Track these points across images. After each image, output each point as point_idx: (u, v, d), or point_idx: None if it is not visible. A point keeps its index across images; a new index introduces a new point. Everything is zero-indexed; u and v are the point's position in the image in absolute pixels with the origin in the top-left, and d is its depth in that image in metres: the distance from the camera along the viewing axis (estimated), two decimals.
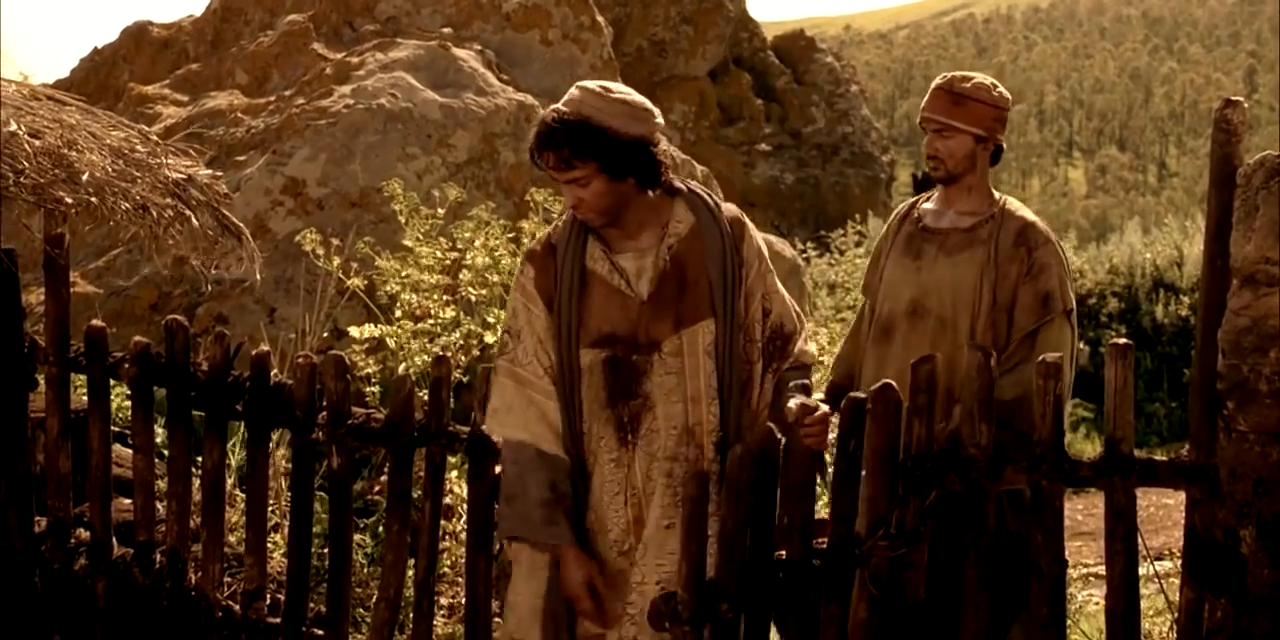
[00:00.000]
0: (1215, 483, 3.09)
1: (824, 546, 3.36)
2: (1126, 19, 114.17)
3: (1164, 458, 3.19)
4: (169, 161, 4.74)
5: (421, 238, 6.51)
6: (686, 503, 3.34)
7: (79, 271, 8.81)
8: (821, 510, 3.49)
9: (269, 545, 4.48)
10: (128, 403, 5.35)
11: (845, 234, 16.91)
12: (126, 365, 4.49)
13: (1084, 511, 9.61)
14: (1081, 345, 16.10)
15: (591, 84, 3.36)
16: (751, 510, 3.33)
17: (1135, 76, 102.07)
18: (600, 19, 12.08)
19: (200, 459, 4.44)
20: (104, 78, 13.13)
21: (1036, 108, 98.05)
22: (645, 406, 3.39)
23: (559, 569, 3.40)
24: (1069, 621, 3.28)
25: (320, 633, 4.14)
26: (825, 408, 3.41)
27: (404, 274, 6.30)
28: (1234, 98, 3.15)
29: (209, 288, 7.90)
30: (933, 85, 4.02)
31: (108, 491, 4.58)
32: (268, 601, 4.28)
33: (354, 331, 6.10)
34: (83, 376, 4.68)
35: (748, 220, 3.56)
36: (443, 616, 5.04)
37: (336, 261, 6.48)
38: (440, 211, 6.82)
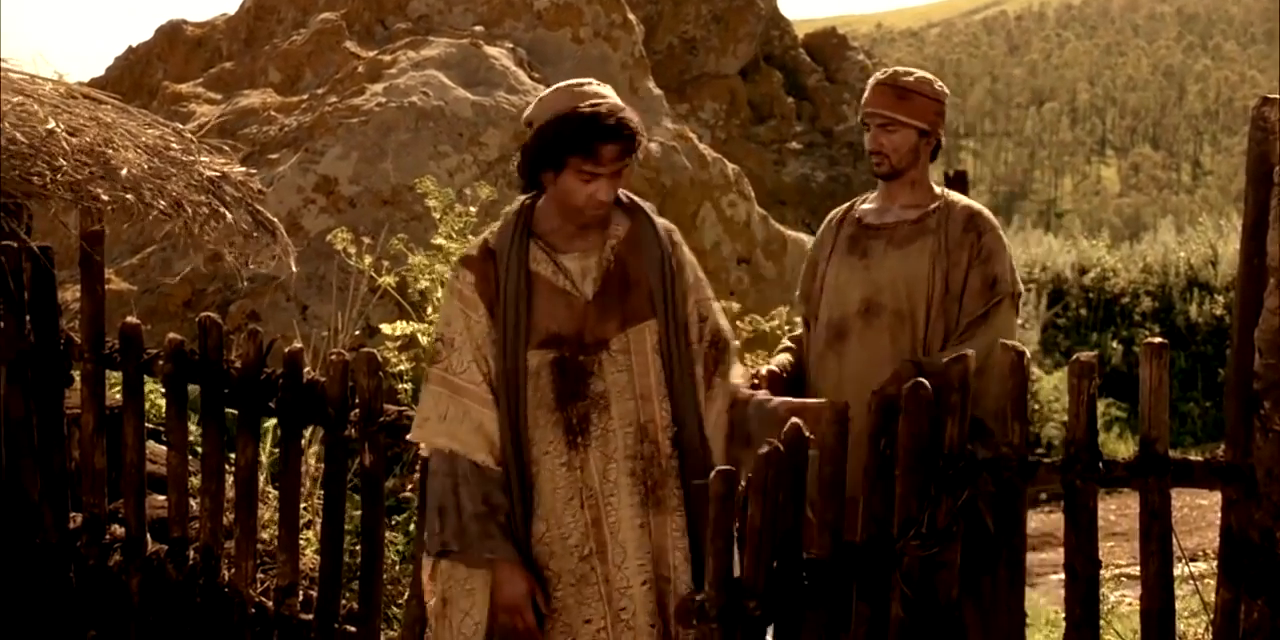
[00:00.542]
0: (1251, 483, 3.07)
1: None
2: (1160, 16, 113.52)
3: (1199, 458, 3.17)
4: (204, 159, 4.78)
5: (454, 235, 6.53)
6: (714, 500, 3.33)
7: (113, 269, 8.87)
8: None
9: (301, 542, 4.50)
10: (161, 400, 5.38)
11: None
12: (161, 362, 4.51)
13: (1116, 512, 9.57)
14: (1114, 344, 16.05)
15: (590, 83, 3.34)
16: (778, 508, 3.33)
17: (1169, 74, 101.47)
18: (631, 17, 12.08)
19: (233, 456, 4.47)
20: (138, 76, 13.20)
21: (1069, 106, 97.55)
22: (597, 406, 3.34)
23: (495, 588, 3.29)
24: (1102, 622, 3.26)
25: (352, 629, 4.15)
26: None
27: (436, 271, 6.31)
28: (1271, 96, 3.12)
29: (243, 285, 7.93)
30: (873, 81, 4.06)
31: (142, 488, 4.60)
32: (300, 598, 4.30)
33: (386, 328, 6.11)
34: (117, 373, 4.70)
35: (678, 232, 3.58)
36: None
37: (368, 259, 6.50)
38: (472, 209, 6.84)
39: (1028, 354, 3.28)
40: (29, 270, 4.68)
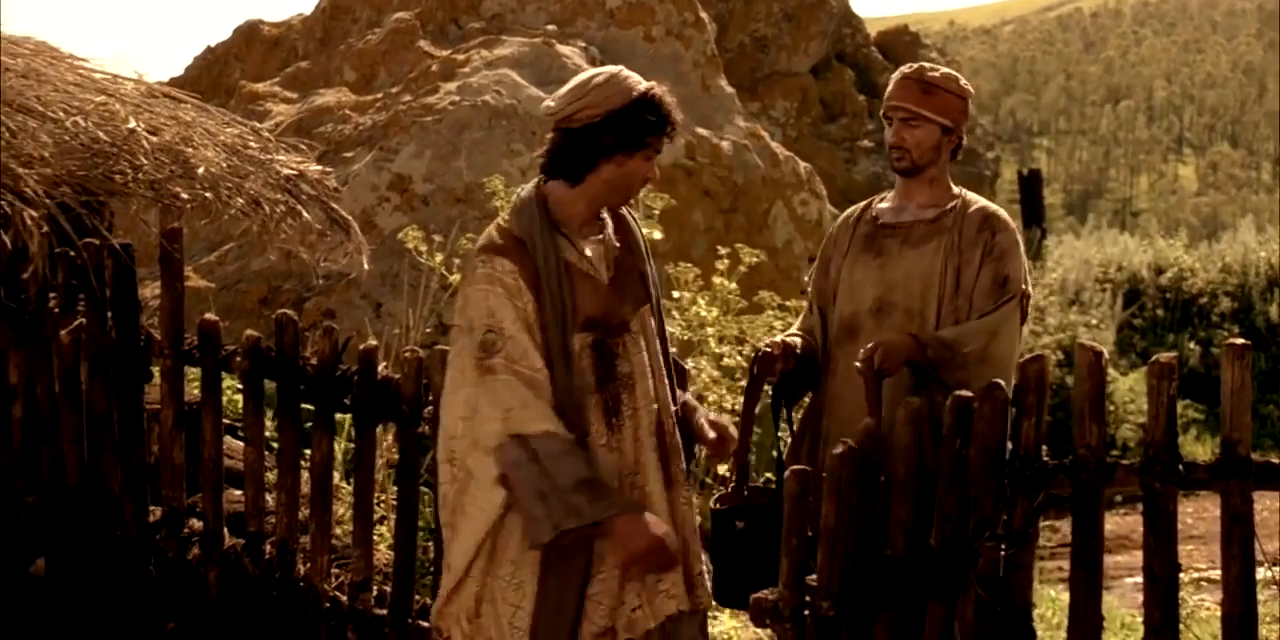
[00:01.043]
0: None
1: None
2: (1240, 12, 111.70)
3: None
4: (280, 158, 4.81)
5: None
6: (787, 499, 3.34)
7: (191, 266, 8.99)
8: None
9: (375, 538, 4.54)
10: (238, 395, 5.44)
11: None
12: (238, 359, 4.56)
13: (1193, 515, 9.44)
14: (1192, 345, 15.82)
15: (621, 69, 3.48)
16: (854, 508, 3.32)
17: (1249, 71, 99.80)
18: (704, 15, 12.07)
19: (309, 452, 4.51)
20: (216, 76, 13.38)
21: (1145, 104, 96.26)
22: (626, 387, 3.45)
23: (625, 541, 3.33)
24: (1181, 626, 3.21)
25: (425, 624, 4.17)
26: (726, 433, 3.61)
27: None
28: None
29: (318, 282, 8.02)
30: (898, 75, 4.01)
31: (219, 482, 4.65)
32: (374, 593, 4.34)
33: None
34: (196, 369, 4.76)
35: None
36: None
37: (440, 257, 6.54)
38: None
39: (1106, 354, 3.25)
40: (110, 267, 4.74)
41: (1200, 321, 16.50)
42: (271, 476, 4.68)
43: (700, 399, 6.43)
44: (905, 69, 4.02)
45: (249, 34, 13.72)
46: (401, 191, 9.25)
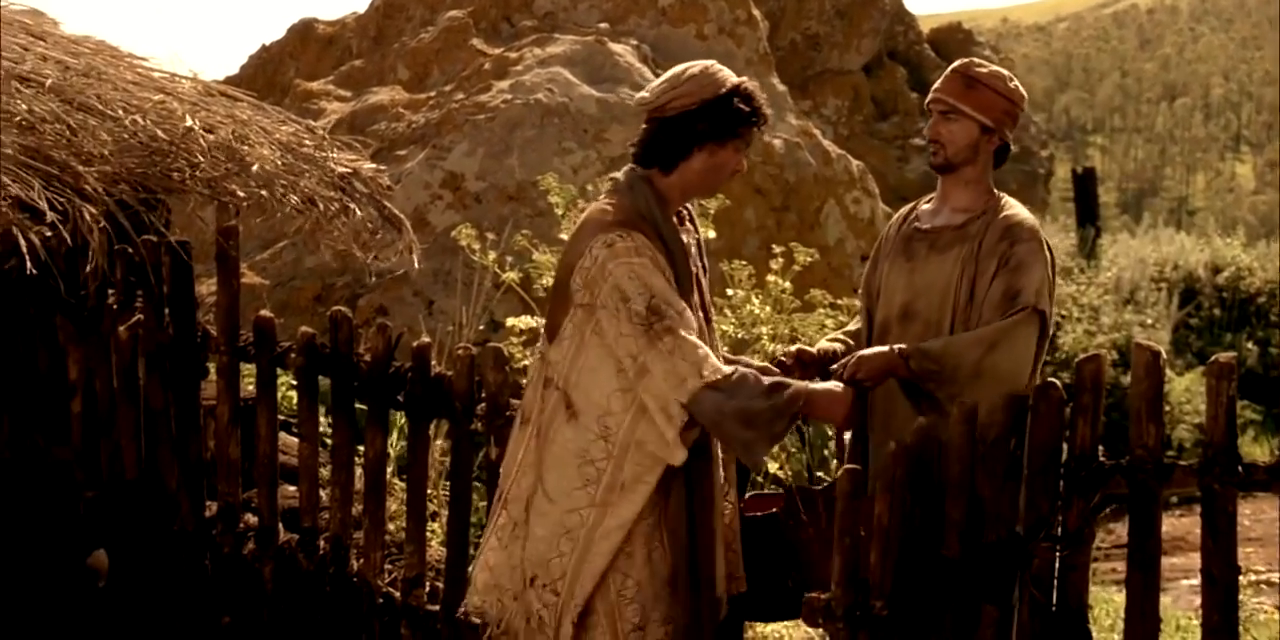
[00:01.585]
0: None
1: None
2: None
3: None
4: (335, 155, 4.84)
5: None
6: (841, 498, 3.34)
7: (246, 263, 9.05)
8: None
9: (428, 534, 4.56)
10: (292, 392, 5.48)
11: None
12: (293, 355, 4.59)
13: (1250, 516, 9.33)
14: (1249, 345, 15.64)
15: (712, 63, 3.60)
16: (908, 507, 3.31)
17: None
18: (756, 12, 12.04)
19: (362, 448, 4.53)
20: (271, 74, 13.47)
21: (1203, 101, 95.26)
22: None
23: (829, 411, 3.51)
24: (1240, 629, 3.18)
25: (477, 621, 4.19)
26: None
27: None
28: None
29: (371, 279, 8.06)
30: (950, 68, 3.90)
31: (274, 478, 4.68)
32: (427, 589, 4.35)
33: (512, 322, 6.16)
34: (251, 365, 4.79)
35: None
36: None
37: (492, 255, 6.55)
38: None
39: (1164, 354, 3.21)
40: (168, 264, 4.79)
41: (1258, 321, 16.30)
42: (325, 472, 4.71)
43: None
44: (957, 62, 3.93)
45: (303, 33, 13.81)
46: (454, 189, 9.28)
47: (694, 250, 3.63)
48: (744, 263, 6.88)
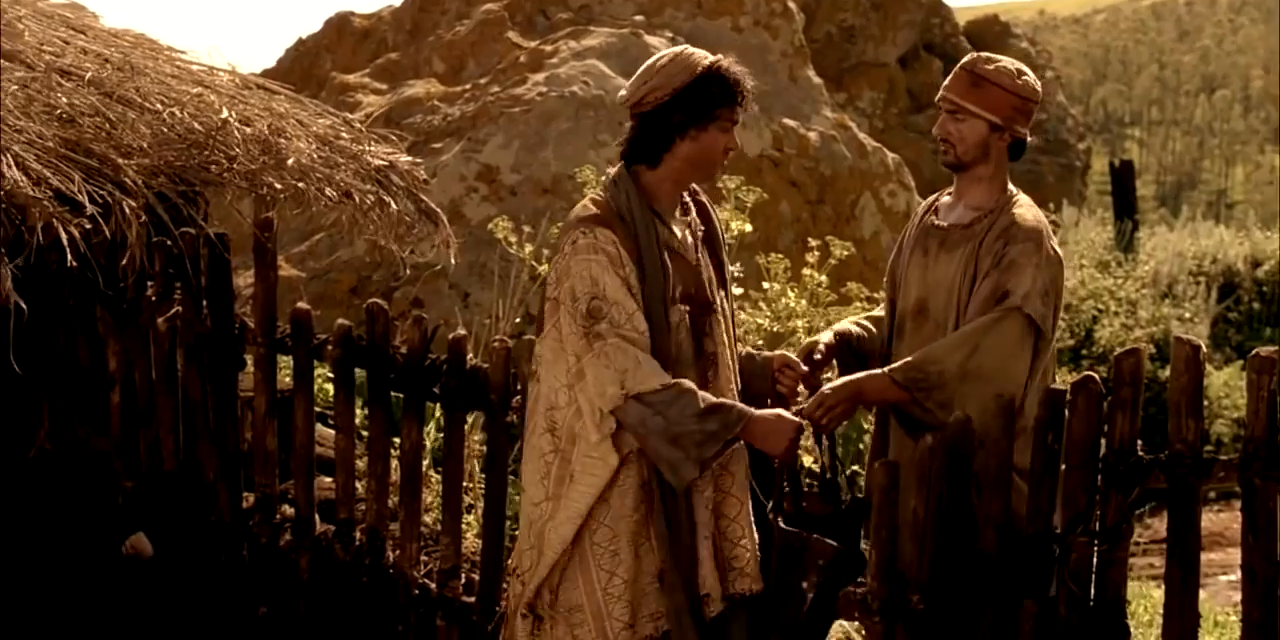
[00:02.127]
0: None
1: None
2: None
3: None
4: (371, 148, 4.85)
5: None
6: (877, 491, 3.32)
7: (283, 255, 9.10)
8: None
9: (463, 526, 4.57)
10: (329, 384, 5.50)
11: None
12: (330, 347, 4.60)
13: None
14: None
15: (686, 47, 3.57)
16: (944, 501, 3.30)
17: None
18: (791, 5, 12.01)
19: (398, 440, 4.55)
20: (308, 67, 13.52)
21: (1242, 93, 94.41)
22: (712, 365, 3.54)
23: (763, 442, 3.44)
24: None
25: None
26: (803, 366, 3.68)
27: None
28: None
29: (406, 272, 8.08)
30: (959, 65, 3.75)
31: (311, 469, 4.70)
32: (462, 580, 4.37)
33: None
34: (288, 357, 4.81)
35: None
36: None
37: (528, 248, 6.56)
38: None
39: (1204, 348, 3.19)
40: (206, 257, 4.81)
41: None
42: (362, 464, 4.73)
43: None
44: (966, 58, 3.77)
45: (339, 26, 13.85)
46: (489, 182, 9.29)
47: (693, 241, 3.58)
48: (779, 256, 6.87)
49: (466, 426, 4.58)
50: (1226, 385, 13.12)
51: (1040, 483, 3.26)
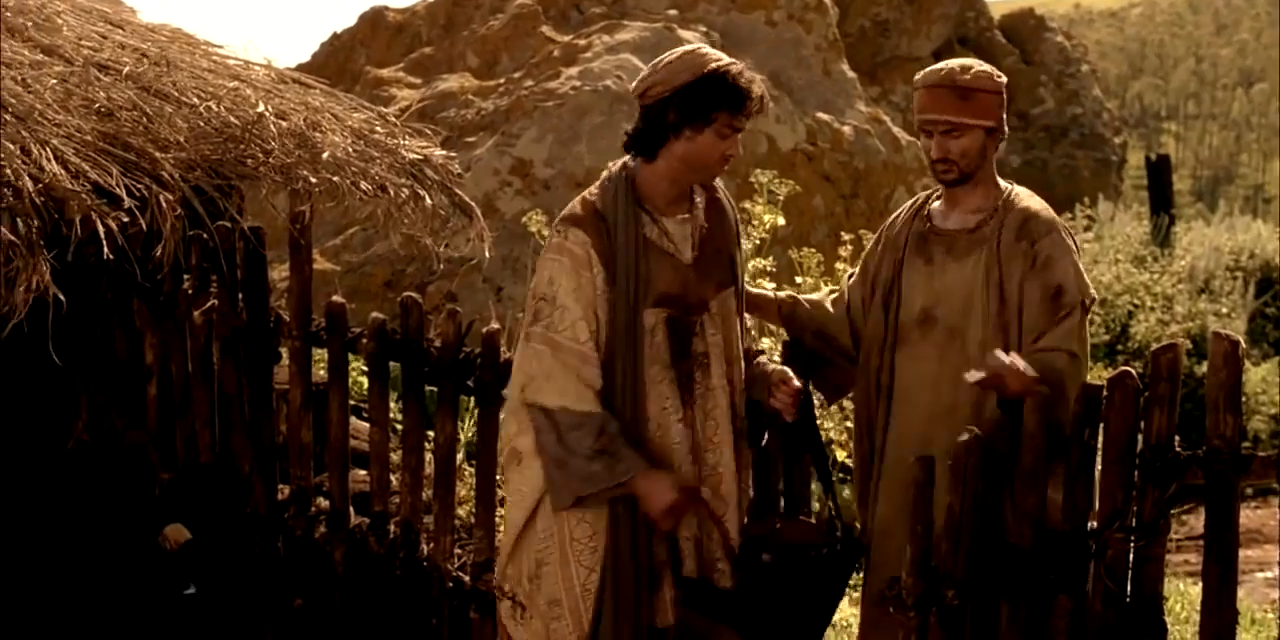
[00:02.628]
0: None
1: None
2: None
3: None
4: (406, 142, 4.86)
5: None
6: (914, 486, 3.32)
7: (317, 249, 9.14)
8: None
9: (497, 519, 4.58)
10: (364, 377, 5.51)
11: (1074, 218, 16.46)
12: (364, 341, 4.61)
13: None
14: None
15: (704, 46, 3.56)
16: (980, 496, 3.29)
17: None
18: None
19: (432, 433, 4.56)
20: (342, 62, 13.57)
21: None
22: (700, 365, 3.51)
23: (644, 501, 3.40)
24: None
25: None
26: (797, 381, 3.57)
27: None
28: None
29: (440, 266, 8.10)
30: (924, 81, 3.62)
31: (346, 462, 4.72)
32: (496, 573, 4.37)
33: None
34: (323, 350, 4.83)
35: None
36: None
37: None
38: None
39: (1243, 343, 3.17)
40: (241, 250, 4.83)
41: None
42: (396, 457, 4.74)
43: None
44: (929, 75, 3.64)
45: (374, 20, 13.89)
46: (523, 176, 9.31)
47: (692, 239, 3.51)
48: (812, 250, 6.85)
49: (501, 420, 4.58)
50: (1264, 381, 13.02)
51: (1075, 478, 3.24)
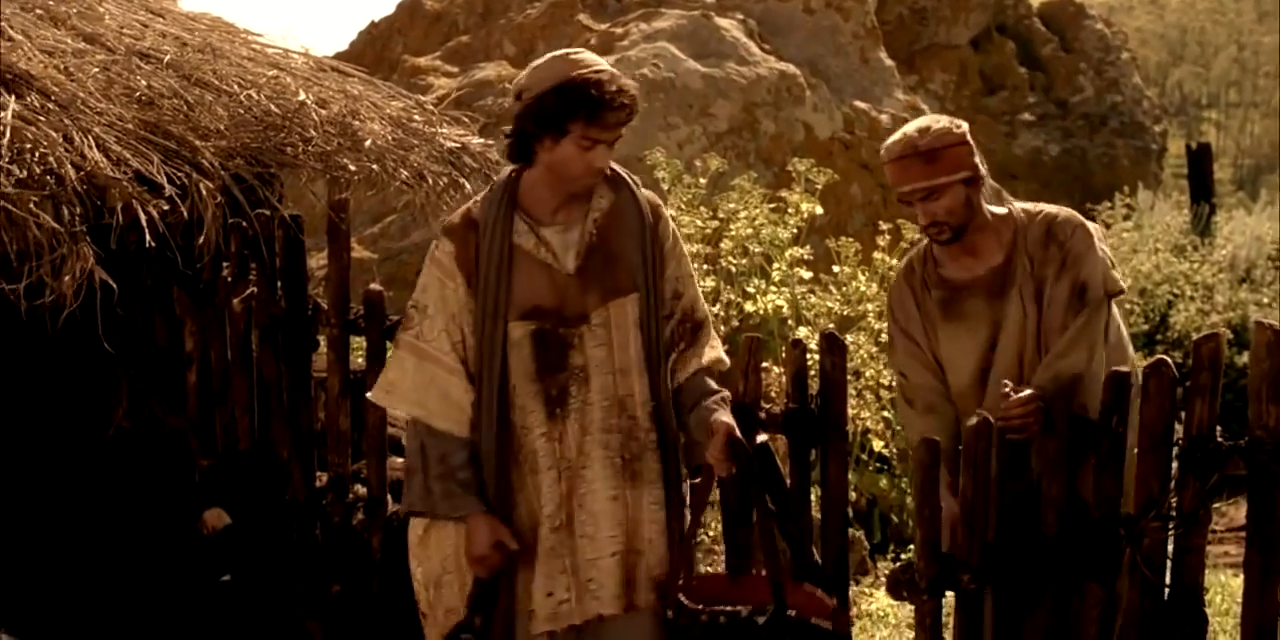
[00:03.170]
0: None
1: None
2: None
3: None
4: (444, 131, 4.88)
5: (684, 206, 6.54)
6: (919, 470, 3.32)
7: (355, 237, 9.17)
8: None
9: None
10: None
11: (1113, 206, 16.35)
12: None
13: None
14: None
15: (582, 51, 3.39)
16: (990, 480, 3.29)
17: None
18: None
19: None
20: (380, 50, 13.60)
21: None
22: (576, 379, 3.36)
23: (466, 542, 3.39)
24: None
25: None
26: (733, 435, 3.26)
27: None
28: None
29: None
30: (889, 157, 3.58)
31: (383, 450, 4.73)
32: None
33: None
34: (361, 338, 4.85)
35: (663, 204, 3.56)
36: None
37: None
38: (702, 181, 6.85)
39: None
40: (280, 238, 4.84)
41: None
42: None
43: (857, 374, 6.38)
44: (890, 149, 3.58)
45: (411, 9, 13.92)
46: None
47: (578, 247, 3.37)
48: (850, 239, 6.84)
49: None
50: None
51: (1104, 466, 3.23)
